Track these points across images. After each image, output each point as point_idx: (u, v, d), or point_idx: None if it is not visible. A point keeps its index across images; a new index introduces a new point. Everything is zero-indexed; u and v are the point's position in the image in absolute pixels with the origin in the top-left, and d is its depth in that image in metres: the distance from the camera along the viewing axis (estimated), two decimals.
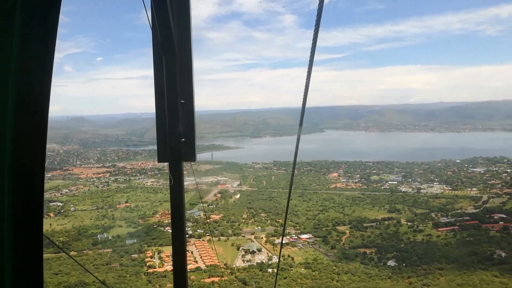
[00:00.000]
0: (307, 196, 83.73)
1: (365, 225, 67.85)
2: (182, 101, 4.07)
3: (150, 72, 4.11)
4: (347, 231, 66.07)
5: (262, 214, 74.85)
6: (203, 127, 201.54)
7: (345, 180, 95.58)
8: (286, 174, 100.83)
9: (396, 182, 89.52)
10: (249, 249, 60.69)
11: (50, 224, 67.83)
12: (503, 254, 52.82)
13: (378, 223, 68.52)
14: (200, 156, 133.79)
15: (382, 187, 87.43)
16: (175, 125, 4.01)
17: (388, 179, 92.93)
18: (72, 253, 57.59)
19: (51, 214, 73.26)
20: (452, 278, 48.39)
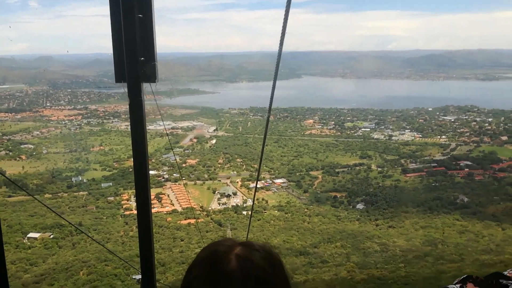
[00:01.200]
0: (283, 142, 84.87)
1: (337, 170, 69.97)
2: (139, 15, 3.78)
3: None
4: (320, 176, 68.12)
5: (238, 159, 75.81)
6: (178, 70, 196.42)
7: (320, 126, 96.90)
8: (262, 120, 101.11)
9: (369, 129, 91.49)
10: (224, 193, 62.03)
11: (23, 167, 66.85)
12: (466, 199, 56.00)
13: (349, 168, 70.75)
14: (175, 100, 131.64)
15: (356, 134, 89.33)
16: (132, 42, 3.77)
17: (362, 126, 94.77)
18: (46, 195, 57.48)
19: (23, 157, 71.94)
20: (416, 220, 51.31)
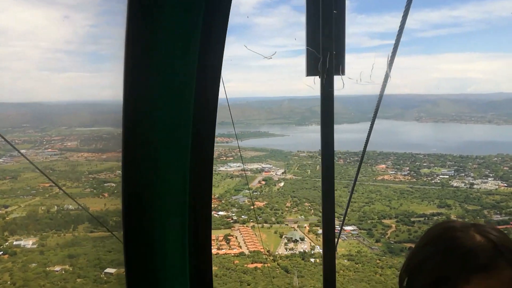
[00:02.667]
0: None
1: (412, 219, 66.10)
2: (334, 11, 4.01)
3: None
4: (393, 225, 64.71)
5: (306, 204, 74.84)
6: (250, 113, 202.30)
7: (394, 172, 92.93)
8: None
9: (447, 176, 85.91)
10: (292, 238, 61.17)
11: (105, 204, 71.26)
12: None
13: (426, 218, 66.49)
14: (245, 142, 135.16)
15: (433, 181, 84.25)
16: (329, 36, 4.03)
17: (440, 172, 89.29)
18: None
19: (105, 194, 76.91)
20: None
